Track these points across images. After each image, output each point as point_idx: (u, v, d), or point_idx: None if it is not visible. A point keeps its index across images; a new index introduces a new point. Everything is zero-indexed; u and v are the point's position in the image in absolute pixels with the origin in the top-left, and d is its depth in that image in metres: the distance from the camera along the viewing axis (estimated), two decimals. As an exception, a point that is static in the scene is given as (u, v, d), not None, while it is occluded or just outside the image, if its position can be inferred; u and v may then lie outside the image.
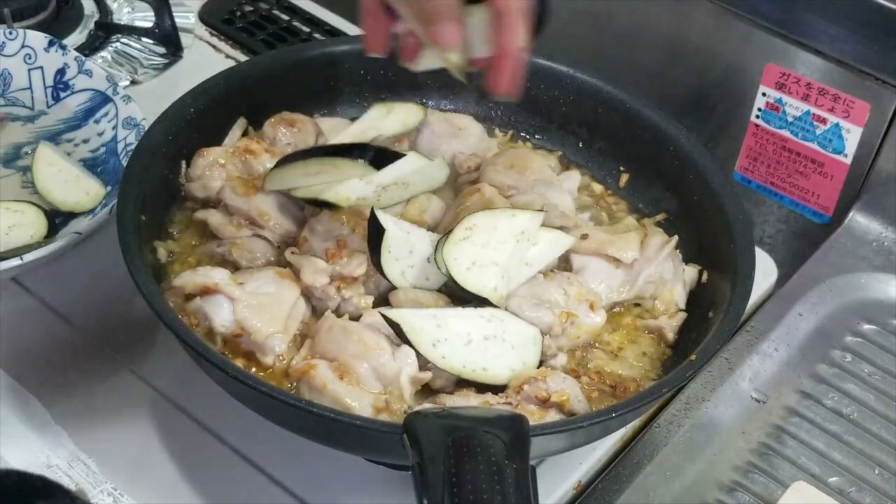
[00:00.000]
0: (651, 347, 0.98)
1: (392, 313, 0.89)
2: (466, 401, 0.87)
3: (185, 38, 1.39)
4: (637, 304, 1.01)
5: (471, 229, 0.94)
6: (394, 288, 0.94)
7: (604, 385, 0.94)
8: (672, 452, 1.01)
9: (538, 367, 0.91)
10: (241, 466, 0.96)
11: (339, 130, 1.09)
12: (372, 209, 0.93)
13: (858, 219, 1.25)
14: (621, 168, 1.13)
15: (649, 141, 1.09)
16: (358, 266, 0.94)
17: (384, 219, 0.93)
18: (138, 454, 0.97)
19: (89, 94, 1.19)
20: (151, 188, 0.98)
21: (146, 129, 1.02)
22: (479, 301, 0.92)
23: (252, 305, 0.91)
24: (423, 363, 0.89)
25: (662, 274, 1.00)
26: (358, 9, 0.88)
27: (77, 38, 1.37)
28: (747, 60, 1.26)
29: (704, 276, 1.02)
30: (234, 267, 0.97)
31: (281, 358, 0.91)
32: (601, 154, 1.13)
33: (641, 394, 0.89)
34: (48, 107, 1.21)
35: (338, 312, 0.94)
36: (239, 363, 0.90)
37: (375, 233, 0.93)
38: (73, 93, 1.20)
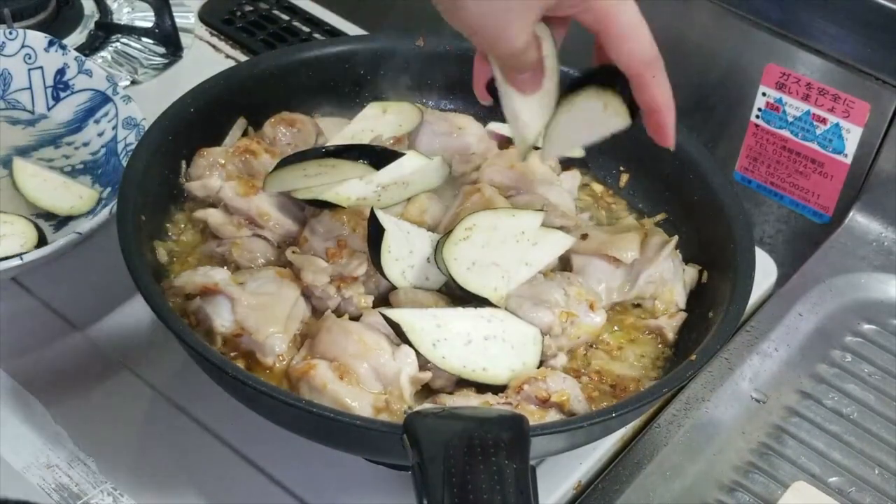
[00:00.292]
0: (651, 347, 0.98)
1: (392, 313, 0.89)
2: (466, 401, 0.87)
3: (185, 38, 1.39)
4: (637, 305, 1.01)
5: (471, 229, 0.94)
6: (394, 288, 0.94)
7: (604, 385, 0.94)
8: (672, 452, 1.01)
9: (538, 367, 0.91)
10: (241, 466, 0.96)
11: (339, 130, 1.09)
12: (372, 209, 0.93)
13: (858, 219, 1.25)
14: (621, 168, 1.13)
15: (649, 141, 1.09)
16: (358, 266, 0.94)
17: (384, 219, 0.93)
18: (138, 454, 0.97)
19: (89, 94, 1.19)
20: (151, 188, 0.98)
21: (146, 129, 1.02)
22: (479, 301, 0.92)
23: (252, 305, 0.91)
24: (423, 363, 0.89)
25: (662, 274, 1.00)
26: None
27: (77, 38, 1.37)
28: (747, 60, 1.26)
29: (704, 276, 1.02)
30: (235, 267, 0.97)
31: (281, 358, 0.91)
32: (601, 154, 1.13)
33: (641, 394, 0.89)
34: (48, 109, 1.21)
35: (338, 312, 0.94)
36: (239, 363, 0.90)
37: (375, 233, 0.93)
38: (73, 93, 1.20)
